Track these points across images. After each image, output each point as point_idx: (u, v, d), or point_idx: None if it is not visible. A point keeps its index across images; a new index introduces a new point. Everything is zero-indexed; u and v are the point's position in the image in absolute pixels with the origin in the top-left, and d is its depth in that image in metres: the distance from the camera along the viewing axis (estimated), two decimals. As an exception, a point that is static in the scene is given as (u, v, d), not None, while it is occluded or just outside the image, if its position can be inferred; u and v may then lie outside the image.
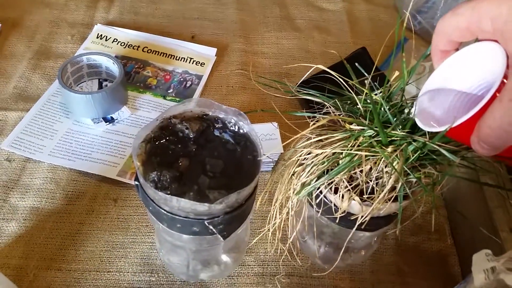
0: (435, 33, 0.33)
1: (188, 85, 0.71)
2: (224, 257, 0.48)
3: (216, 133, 0.42)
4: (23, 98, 0.65)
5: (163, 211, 0.37)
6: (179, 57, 0.74)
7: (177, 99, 0.68)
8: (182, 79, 0.71)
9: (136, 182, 0.38)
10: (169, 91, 0.69)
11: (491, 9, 0.28)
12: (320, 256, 0.49)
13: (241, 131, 0.41)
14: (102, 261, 0.50)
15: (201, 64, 0.74)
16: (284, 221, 0.42)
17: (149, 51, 0.74)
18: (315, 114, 0.41)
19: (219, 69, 0.74)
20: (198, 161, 0.39)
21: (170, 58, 0.74)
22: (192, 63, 0.74)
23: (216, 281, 0.50)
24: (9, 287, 0.46)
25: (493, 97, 0.28)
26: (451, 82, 0.34)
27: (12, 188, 0.55)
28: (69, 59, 0.64)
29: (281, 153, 0.57)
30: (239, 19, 0.83)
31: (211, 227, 0.37)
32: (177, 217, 0.36)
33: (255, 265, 0.51)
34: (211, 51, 0.75)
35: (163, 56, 0.74)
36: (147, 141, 0.39)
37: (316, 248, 0.48)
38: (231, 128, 0.41)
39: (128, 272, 0.49)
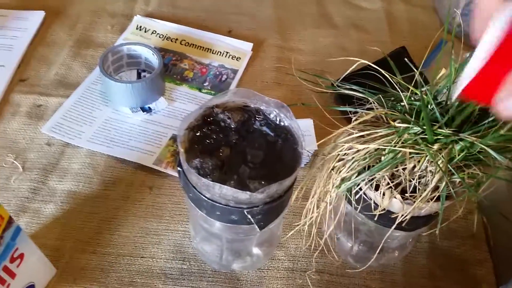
0: (474, 17, 0.30)
1: (223, 79, 0.71)
2: (256, 250, 0.49)
3: (257, 124, 0.42)
4: (64, 84, 0.67)
5: (204, 197, 0.37)
6: (216, 51, 0.75)
7: (213, 92, 0.69)
8: (218, 73, 0.72)
9: (179, 168, 0.38)
10: (204, 84, 0.70)
11: None
12: (353, 255, 0.49)
13: (282, 123, 0.41)
14: (136, 247, 0.51)
15: (237, 58, 0.74)
16: (319, 216, 0.41)
17: (186, 44, 0.75)
18: (358, 109, 0.40)
19: (255, 64, 0.74)
20: (239, 151, 0.40)
21: (207, 51, 0.74)
22: (228, 57, 0.74)
23: (246, 273, 0.50)
24: (47, 266, 0.47)
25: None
26: None
27: (51, 171, 0.57)
28: (110, 48, 0.65)
29: (315, 150, 0.57)
30: (276, 15, 0.83)
31: (249, 217, 0.37)
32: (217, 204, 0.37)
33: (285, 260, 0.51)
34: (247, 46, 0.76)
35: (200, 49, 0.75)
36: (190, 129, 0.40)
37: (350, 246, 0.48)
38: (272, 119, 0.42)
39: (160, 258, 0.50)
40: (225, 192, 0.35)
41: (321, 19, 0.83)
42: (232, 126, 0.41)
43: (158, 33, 0.76)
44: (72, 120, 0.62)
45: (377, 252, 0.43)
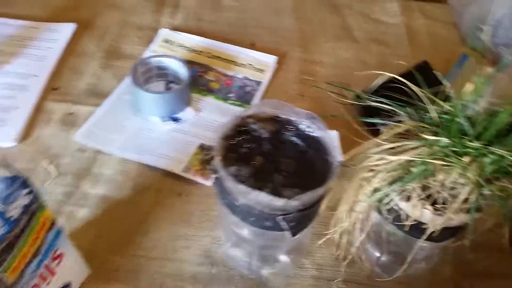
0: None
1: (248, 90, 0.73)
2: (285, 257, 0.50)
3: (288, 134, 0.43)
4: (94, 94, 0.69)
5: (239, 204, 0.38)
6: (240, 63, 0.77)
7: (237, 103, 0.71)
8: (242, 85, 0.74)
9: (215, 175, 0.40)
10: (229, 95, 0.72)
11: None
12: (380, 264, 0.50)
13: (313, 134, 0.43)
14: (166, 250, 0.52)
15: (261, 70, 0.76)
16: (349, 226, 0.43)
17: (211, 56, 0.77)
18: (388, 122, 0.41)
19: (278, 76, 0.76)
20: (271, 160, 0.41)
21: (231, 64, 0.77)
22: (252, 70, 0.76)
23: (274, 279, 0.51)
24: (82, 267, 0.49)
25: None
26: None
27: (84, 176, 0.59)
28: (140, 60, 0.67)
29: (341, 160, 0.58)
30: (297, 28, 0.85)
31: (282, 223, 0.38)
32: (252, 210, 0.38)
33: (312, 268, 0.52)
34: (271, 59, 0.78)
35: (224, 61, 0.77)
36: (225, 138, 0.41)
37: (377, 256, 0.49)
38: (303, 130, 0.43)
39: (190, 262, 0.52)
40: (261, 199, 0.36)
41: (341, 33, 0.85)
42: (265, 136, 0.43)
43: (184, 46, 0.78)
44: (104, 128, 0.64)
45: (404, 266, 0.44)
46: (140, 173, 0.59)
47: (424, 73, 0.71)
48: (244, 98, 0.72)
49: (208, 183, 0.59)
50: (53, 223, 0.40)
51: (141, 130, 0.64)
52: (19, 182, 0.34)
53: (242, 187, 0.36)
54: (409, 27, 0.87)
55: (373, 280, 0.51)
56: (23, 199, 0.35)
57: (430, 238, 0.40)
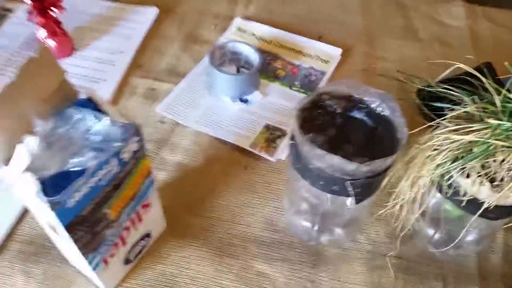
0: None
1: (312, 79, 0.77)
2: (342, 230, 0.54)
3: (360, 111, 0.47)
4: (174, 73, 0.76)
5: (312, 167, 0.43)
6: (307, 53, 0.81)
7: (302, 90, 0.75)
8: (307, 74, 0.78)
9: (291, 141, 0.45)
10: (295, 83, 0.76)
11: None
12: (433, 242, 0.53)
13: (384, 112, 0.47)
14: (234, 215, 0.58)
15: (326, 61, 0.80)
16: (409, 201, 0.46)
17: (280, 46, 0.82)
18: (454, 107, 0.45)
19: (342, 68, 0.80)
20: (343, 132, 0.45)
21: (298, 53, 0.81)
22: (318, 60, 0.80)
23: (329, 250, 0.55)
24: (162, 220, 0.55)
25: None
26: None
27: (163, 145, 0.65)
28: (217, 44, 0.74)
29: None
30: (363, 24, 0.89)
31: (350, 188, 0.43)
32: (323, 174, 0.43)
33: (366, 243, 0.56)
34: (336, 51, 0.82)
35: (292, 51, 0.82)
36: (303, 110, 0.46)
37: (431, 234, 0.52)
38: (374, 109, 0.47)
39: (254, 227, 0.57)
40: (334, 162, 0.41)
41: (406, 32, 0.87)
42: (338, 112, 0.47)
43: (255, 35, 0.84)
44: (181, 103, 0.71)
45: (457, 240, 0.47)
46: (211, 145, 0.66)
47: (488, 72, 0.73)
48: (308, 86, 0.76)
49: (272, 158, 0.64)
50: (149, 172, 0.47)
51: (214, 108, 0.70)
52: (132, 129, 0.40)
53: (318, 150, 0.41)
54: (473, 31, 0.88)
55: (424, 258, 0.54)
56: (133, 145, 0.41)
57: (485, 215, 0.43)
